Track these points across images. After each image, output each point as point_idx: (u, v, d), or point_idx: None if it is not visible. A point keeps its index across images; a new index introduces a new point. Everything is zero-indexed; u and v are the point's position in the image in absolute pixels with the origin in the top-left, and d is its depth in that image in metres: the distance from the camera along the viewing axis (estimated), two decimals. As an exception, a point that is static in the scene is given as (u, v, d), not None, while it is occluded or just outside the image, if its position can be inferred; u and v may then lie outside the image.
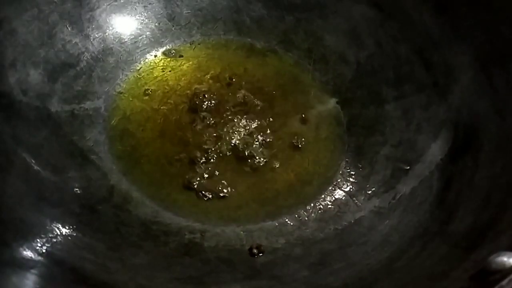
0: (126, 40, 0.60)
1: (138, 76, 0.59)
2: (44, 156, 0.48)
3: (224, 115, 0.56)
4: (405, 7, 0.56)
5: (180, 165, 0.52)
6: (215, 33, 0.63)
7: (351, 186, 0.51)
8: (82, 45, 0.57)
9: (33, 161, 0.47)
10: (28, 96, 0.51)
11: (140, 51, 0.60)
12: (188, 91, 0.58)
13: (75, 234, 0.44)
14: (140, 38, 0.61)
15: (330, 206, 0.50)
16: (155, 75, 0.59)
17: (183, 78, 0.59)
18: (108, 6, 0.59)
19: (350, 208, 0.49)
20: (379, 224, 0.47)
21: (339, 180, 0.52)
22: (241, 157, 0.53)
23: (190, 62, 0.61)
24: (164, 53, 0.60)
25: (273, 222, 0.49)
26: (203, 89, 0.57)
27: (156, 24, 0.62)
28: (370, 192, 0.50)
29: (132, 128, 0.54)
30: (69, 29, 0.56)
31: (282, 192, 0.51)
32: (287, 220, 0.49)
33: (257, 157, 0.53)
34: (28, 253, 0.41)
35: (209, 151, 0.53)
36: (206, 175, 0.51)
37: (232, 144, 0.53)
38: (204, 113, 0.55)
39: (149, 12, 0.62)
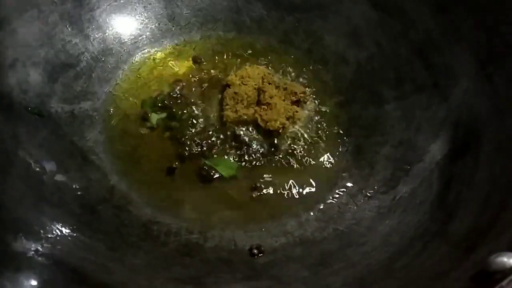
0: (126, 40, 0.60)
1: (138, 76, 0.59)
2: (44, 156, 0.48)
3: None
4: (405, 7, 0.56)
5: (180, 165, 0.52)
6: (215, 33, 0.63)
7: (351, 187, 0.51)
8: (82, 46, 0.57)
9: (33, 161, 0.47)
10: (28, 96, 0.51)
11: (140, 51, 0.61)
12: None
13: (75, 234, 0.44)
14: (140, 38, 0.61)
15: (330, 206, 0.50)
16: (155, 75, 0.59)
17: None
18: (108, 7, 0.59)
19: (350, 208, 0.49)
20: (379, 224, 0.47)
21: (339, 181, 0.52)
22: (241, 156, 0.53)
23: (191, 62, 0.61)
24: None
25: (273, 222, 0.49)
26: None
27: (156, 24, 0.62)
28: (370, 192, 0.50)
29: (132, 128, 0.54)
30: (69, 29, 0.56)
31: (282, 192, 0.51)
32: (287, 220, 0.49)
33: (258, 158, 0.53)
34: (28, 253, 0.41)
35: (209, 149, 0.53)
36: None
37: (233, 144, 0.53)
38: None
39: (149, 13, 0.62)
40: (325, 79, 0.59)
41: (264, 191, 0.51)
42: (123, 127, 0.54)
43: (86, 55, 0.57)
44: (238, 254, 0.46)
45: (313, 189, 0.51)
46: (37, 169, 0.47)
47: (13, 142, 0.47)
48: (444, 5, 0.53)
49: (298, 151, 0.54)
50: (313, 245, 0.47)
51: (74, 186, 0.48)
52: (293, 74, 0.60)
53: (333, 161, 0.53)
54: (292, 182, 0.52)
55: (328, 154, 0.54)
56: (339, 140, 0.55)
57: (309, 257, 0.45)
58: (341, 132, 0.55)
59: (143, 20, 0.62)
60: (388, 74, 0.56)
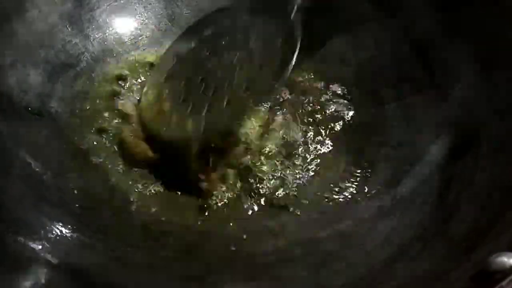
0: (126, 40, 0.60)
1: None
2: (44, 156, 0.48)
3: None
4: (405, 7, 0.56)
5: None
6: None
7: (351, 186, 0.51)
8: (82, 46, 0.57)
9: (33, 161, 0.47)
10: (28, 96, 0.51)
11: (140, 51, 0.60)
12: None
13: (75, 234, 0.44)
14: (140, 38, 0.61)
15: (330, 206, 0.50)
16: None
17: (183, 78, 0.59)
18: (108, 7, 0.59)
19: (350, 208, 0.49)
20: (379, 224, 0.47)
21: (339, 181, 0.52)
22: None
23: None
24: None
25: (273, 222, 0.49)
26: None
27: (156, 25, 0.62)
28: (370, 192, 0.50)
29: (132, 128, 0.54)
30: (69, 29, 0.56)
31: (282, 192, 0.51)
32: (287, 220, 0.49)
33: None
34: (28, 253, 0.41)
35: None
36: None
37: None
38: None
39: (149, 13, 0.62)
40: (325, 79, 0.59)
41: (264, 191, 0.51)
42: (123, 127, 0.54)
43: (86, 55, 0.57)
44: (238, 254, 0.46)
45: (313, 189, 0.51)
46: (37, 169, 0.47)
47: (13, 142, 0.47)
48: (444, 5, 0.53)
49: (297, 151, 0.54)
50: (313, 245, 0.47)
51: (74, 186, 0.48)
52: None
53: (333, 161, 0.53)
54: (292, 182, 0.52)
55: (328, 154, 0.54)
56: (339, 140, 0.55)
57: (309, 257, 0.45)
58: (341, 132, 0.55)
59: (143, 20, 0.62)
60: (388, 74, 0.56)
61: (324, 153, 0.54)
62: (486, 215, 0.41)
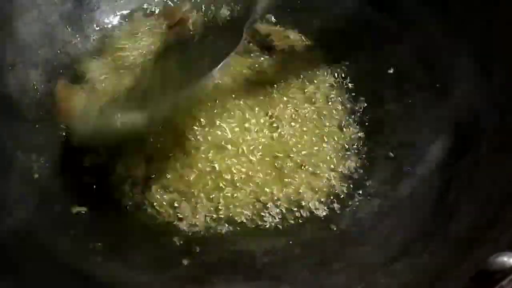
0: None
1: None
2: (44, 156, 0.48)
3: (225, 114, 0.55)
4: (405, 7, 0.56)
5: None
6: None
7: (351, 187, 0.51)
8: (82, 46, 0.57)
9: (33, 161, 0.48)
10: (28, 96, 0.51)
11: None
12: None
13: (75, 234, 0.44)
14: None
15: (330, 206, 0.50)
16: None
17: (183, 79, 0.59)
18: (108, 7, 0.59)
19: (350, 208, 0.49)
20: (379, 224, 0.47)
21: (339, 181, 0.52)
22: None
23: (190, 63, 0.61)
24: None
25: (273, 222, 0.49)
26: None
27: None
28: (370, 192, 0.50)
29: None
30: (69, 30, 0.56)
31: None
32: (287, 220, 0.49)
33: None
34: (28, 253, 0.41)
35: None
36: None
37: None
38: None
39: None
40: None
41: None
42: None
43: (86, 55, 0.57)
44: (238, 255, 0.46)
45: (313, 190, 0.51)
46: (37, 169, 0.47)
47: (13, 143, 0.47)
48: (444, 5, 0.53)
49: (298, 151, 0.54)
50: (313, 245, 0.47)
51: (73, 186, 0.48)
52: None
53: (333, 162, 0.53)
54: (291, 182, 0.52)
55: (328, 154, 0.54)
56: (339, 141, 0.55)
57: (309, 257, 0.45)
58: (341, 132, 0.55)
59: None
60: (388, 74, 0.56)
61: (324, 153, 0.54)
62: (486, 215, 0.41)
